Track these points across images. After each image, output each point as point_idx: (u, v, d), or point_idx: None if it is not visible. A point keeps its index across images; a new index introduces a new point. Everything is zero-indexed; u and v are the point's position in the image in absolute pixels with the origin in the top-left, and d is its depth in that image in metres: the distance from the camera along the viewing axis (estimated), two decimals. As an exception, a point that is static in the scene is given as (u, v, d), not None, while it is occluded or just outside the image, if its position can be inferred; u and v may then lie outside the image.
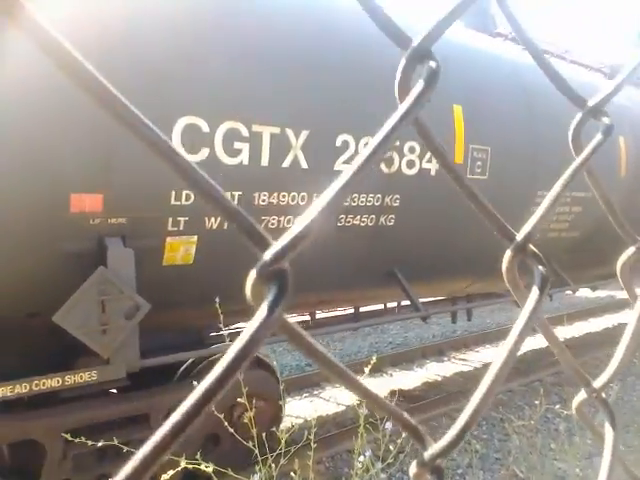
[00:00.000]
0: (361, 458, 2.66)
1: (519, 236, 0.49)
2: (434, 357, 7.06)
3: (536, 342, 7.75)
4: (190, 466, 2.45)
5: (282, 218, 3.23)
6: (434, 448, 0.40)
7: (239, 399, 3.19)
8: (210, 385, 0.27)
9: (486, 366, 5.93)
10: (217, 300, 2.87)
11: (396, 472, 3.95)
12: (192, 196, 2.84)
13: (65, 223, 2.51)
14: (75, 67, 0.25)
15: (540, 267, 0.47)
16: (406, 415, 0.40)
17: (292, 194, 3.21)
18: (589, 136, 0.59)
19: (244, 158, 2.93)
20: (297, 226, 0.31)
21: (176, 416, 0.27)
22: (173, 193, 2.77)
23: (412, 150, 3.70)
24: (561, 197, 0.53)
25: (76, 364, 2.89)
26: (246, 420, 3.64)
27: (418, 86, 0.40)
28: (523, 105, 4.55)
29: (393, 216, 3.77)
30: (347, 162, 3.38)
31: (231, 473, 2.64)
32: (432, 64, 0.40)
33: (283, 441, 2.79)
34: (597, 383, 0.56)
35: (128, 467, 0.25)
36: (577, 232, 5.37)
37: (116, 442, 2.63)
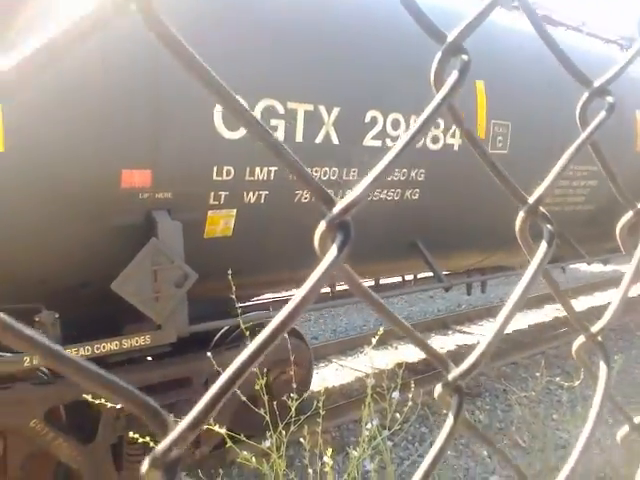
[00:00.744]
0: (368, 425, 2.75)
1: (531, 199, 0.55)
2: (438, 330, 7.20)
3: (539, 316, 7.91)
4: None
5: (314, 192, 3.37)
6: (456, 371, 0.48)
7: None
8: (283, 318, 0.32)
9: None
10: (229, 272, 2.95)
11: (401, 441, 4.09)
12: (232, 171, 2.98)
13: (116, 198, 2.67)
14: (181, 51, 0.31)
15: (548, 225, 0.52)
16: (430, 345, 0.49)
17: (324, 169, 3.35)
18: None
19: (280, 134, 3.06)
20: (356, 190, 0.38)
21: (235, 363, 0.31)
22: (215, 169, 2.91)
23: (437, 126, 3.81)
24: (567, 169, 0.59)
25: (123, 331, 3.07)
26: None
27: (453, 76, 0.45)
28: (544, 82, 4.63)
29: (418, 190, 3.90)
30: (375, 138, 3.50)
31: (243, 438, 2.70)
32: (465, 57, 0.45)
33: (293, 409, 2.84)
34: (594, 328, 0.59)
35: (185, 420, 0.29)
36: (592, 205, 5.49)
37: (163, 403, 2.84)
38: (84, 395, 3.00)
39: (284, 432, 2.61)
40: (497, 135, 4.22)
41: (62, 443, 2.86)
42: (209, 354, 2.88)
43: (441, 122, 3.81)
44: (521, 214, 0.55)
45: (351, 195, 0.37)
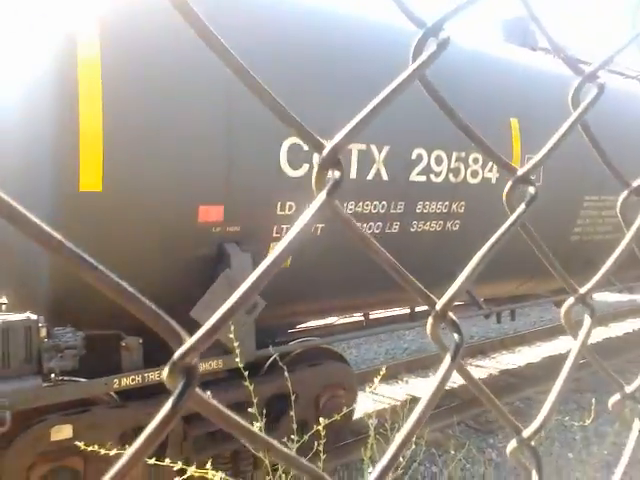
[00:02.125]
0: (370, 469, 2.66)
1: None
2: None
3: (554, 348, 7.77)
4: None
5: (365, 224, 3.59)
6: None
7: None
8: (286, 244, 0.37)
9: (503, 373, 6.09)
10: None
11: None
12: (294, 206, 3.21)
13: (193, 232, 2.90)
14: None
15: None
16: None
17: (374, 203, 3.57)
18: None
19: (336, 172, 3.30)
20: (341, 134, 0.40)
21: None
22: (279, 204, 3.15)
23: (476, 161, 4.03)
24: (558, 147, 0.63)
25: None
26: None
27: (431, 48, 0.48)
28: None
29: (458, 221, 4.10)
30: (420, 173, 3.73)
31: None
32: (444, 34, 0.48)
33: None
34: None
35: (199, 332, 0.32)
36: (620, 234, 5.64)
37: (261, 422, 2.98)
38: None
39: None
40: (531, 169, 4.44)
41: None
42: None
43: (480, 158, 4.03)
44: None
45: (337, 138, 0.39)
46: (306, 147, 3.24)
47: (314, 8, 3.47)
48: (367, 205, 3.54)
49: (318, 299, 3.82)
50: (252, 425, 0.37)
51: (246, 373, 2.92)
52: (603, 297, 9.25)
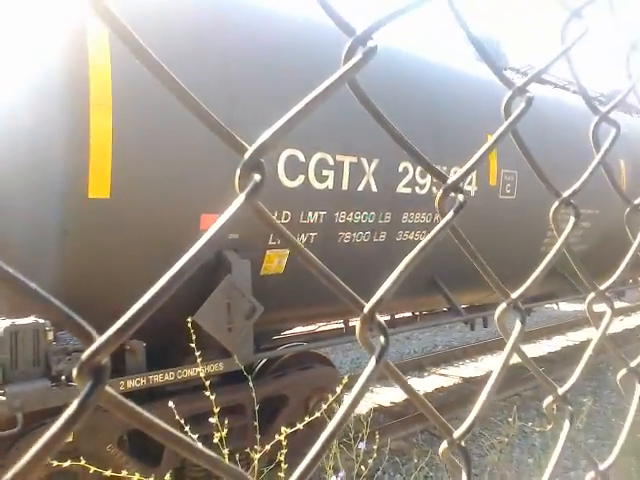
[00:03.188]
0: (332, 479, 2.71)
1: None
2: (414, 372, 7.21)
3: (513, 357, 8.13)
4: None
5: (354, 234, 3.75)
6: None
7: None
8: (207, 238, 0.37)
9: (466, 381, 6.22)
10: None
11: None
12: (290, 215, 3.35)
13: (195, 238, 2.99)
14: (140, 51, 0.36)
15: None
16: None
17: (363, 213, 3.74)
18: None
19: (330, 183, 3.46)
20: (265, 135, 0.40)
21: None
22: (276, 213, 3.28)
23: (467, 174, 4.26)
24: (483, 159, 0.66)
25: (185, 361, 3.34)
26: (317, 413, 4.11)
27: (357, 56, 0.49)
28: (539, 134, 5.18)
29: (440, 231, 4.32)
30: (406, 185, 3.93)
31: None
32: (371, 43, 0.48)
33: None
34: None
35: (110, 330, 0.31)
36: (585, 245, 5.99)
37: (224, 430, 3.08)
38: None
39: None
40: (506, 183, 4.71)
41: (132, 467, 3.07)
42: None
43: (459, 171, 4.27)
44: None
45: (259, 141, 0.40)
46: (302, 159, 3.40)
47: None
48: (357, 215, 3.71)
49: (309, 306, 3.95)
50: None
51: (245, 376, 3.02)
52: (562, 307, 9.65)
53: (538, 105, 5.45)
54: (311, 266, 0.49)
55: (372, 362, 0.48)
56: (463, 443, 0.58)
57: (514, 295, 0.71)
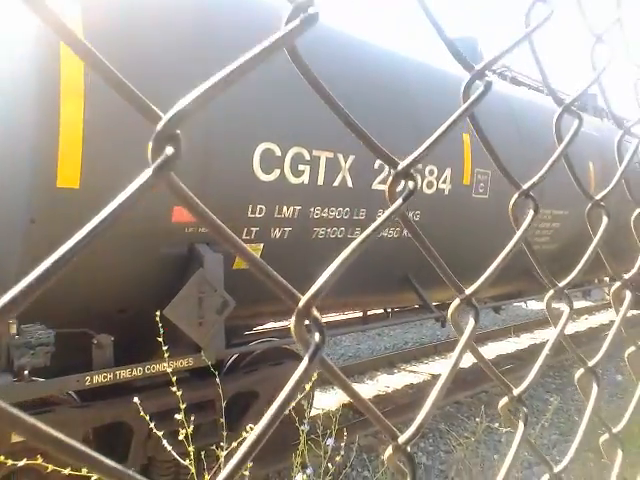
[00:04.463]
0: (299, 476, 2.68)
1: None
2: (385, 369, 7.25)
3: (483, 353, 8.26)
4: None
5: (329, 229, 3.74)
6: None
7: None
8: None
9: (435, 378, 6.31)
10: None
11: None
12: (264, 209, 3.31)
13: (166, 231, 2.94)
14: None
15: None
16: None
17: (339, 209, 3.73)
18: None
19: (305, 178, 3.43)
20: (180, 104, 0.43)
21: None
22: (250, 207, 3.24)
23: (431, 172, 4.29)
24: (439, 141, 0.63)
25: (155, 356, 3.27)
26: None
27: (295, 22, 0.45)
28: (515, 132, 5.25)
29: (414, 229, 4.34)
30: (382, 182, 3.93)
31: None
32: (312, 9, 0.45)
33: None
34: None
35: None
36: (555, 245, 6.12)
37: (191, 425, 3.04)
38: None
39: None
40: (479, 182, 4.76)
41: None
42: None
43: (435, 169, 4.29)
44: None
45: (175, 108, 0.37)
46: (278, 153, 3.36)
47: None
48: (332, 211, 3.69)
49: (281, 301, 3.90)
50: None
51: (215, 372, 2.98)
52: (530, 305, 9.84)
53: (514, 105, 5.54)
54: (239, 253, 0.44)
55: (305, 360, 0.44)
56: (409, 448, 0.56)
57: (468, 291, 0.69)
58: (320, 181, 3.52)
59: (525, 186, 0.81)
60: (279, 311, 4.24)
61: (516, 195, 0.81)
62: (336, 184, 3.63)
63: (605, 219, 1.00)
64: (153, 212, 2.86)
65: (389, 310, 6.03)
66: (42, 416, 2.85)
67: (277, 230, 3.44)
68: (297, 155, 3.36)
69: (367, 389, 6.44)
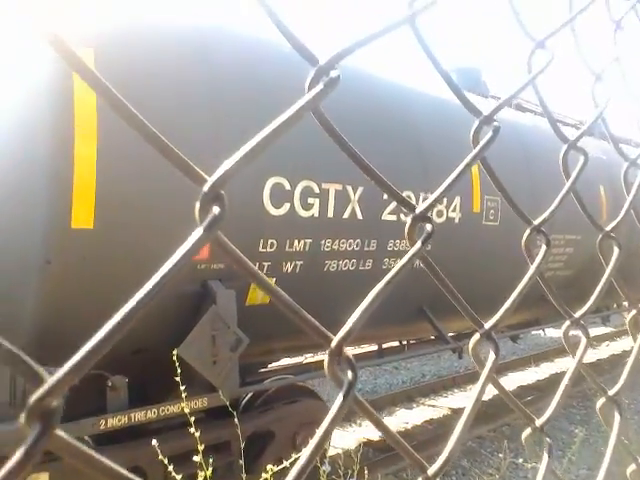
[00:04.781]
0: None
1: None
2: (403, 404, 7.11)
3: (504, 385, 7.98)
4: None
5: (340, 262, 3.72)
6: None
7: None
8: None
9: (455, 412, 6.23)
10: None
11: None
12: (275, 244, 3.31)
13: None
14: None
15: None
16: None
17: (349, 240, 3.72)
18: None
19: (315, 211, 3.45)
20: (225, 165, 0.40)
21: None
22: (261, 242, 3.24)
23: (441, 201, 4.29)
24: (452, 187, 0.65)
25: (168, 396, 3.22)
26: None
27: (319, 87, 0.48)
28: (523, 160, 5.27)
29: (426, 259, 4.31)
30: (391, 213, 3.94)
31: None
32: (333, 73, 0.48)
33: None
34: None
35: (62, 369, 0.29)
36: (570, 271, 6.04)
37: (210, 467, 2.96)
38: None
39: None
40: (490, 209, 4.74)
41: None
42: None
43: (445, 199, 4.29)
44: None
45: (219, 172, 0.39)
46: (288, 187, 3.39)
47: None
48: (343, 243, 3.68)
49: (295, 336, 3.88)
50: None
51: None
52: (549, 333, 9.63)
53: (521, 134, 5.57)
54: (275, 298, 0.47)
55: (339, 398, 0.46)
56: None
57: (487, 325, 0.70)
58: (330, 214, 3.53)
59: (536, 222, 0.83)
60: (293, 347, 4.19)
61: (528, 231, 0.83)
62: (346, 216, 3.63)
63: (616, 250, 1.00)
64: (169, 251, 2.87)
65: (404, 343, 5.94)
66: (55, 463, 2.80)
67: (289, 264, 3.43)
68: (306, 188, 3.38)
69: (324, 422, 6.18)
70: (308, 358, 5.48)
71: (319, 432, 0.44)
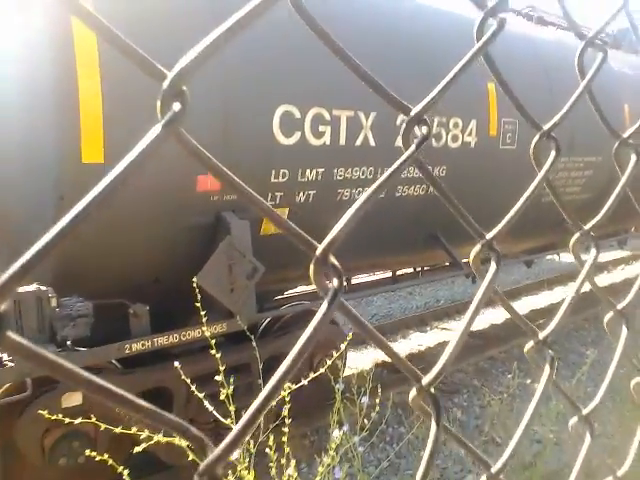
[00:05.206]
0: (336, 432, 2.70)
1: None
2: (417, 328, 7.20)
3: (517, 308, 8.08)
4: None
5: (354, 190, 3.71)
6: (426, 379, 0.55)
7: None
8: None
9: (468, 335, 6.44)
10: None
11: (379, 442, 4.13)
12: (287, 174, 3.30)
13: (192, 201, 2.96)
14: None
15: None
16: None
17: (362, 169, 3.69)
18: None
19: (327, 139, 3.39)
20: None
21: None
22: (273, 172, 3.23)
23: (456, 126, 4.18)
24: (452, 83, 0.63)
25: (188, 323, 3.36)
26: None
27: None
28: (544, 80, 5.05)
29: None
30: (405, 139, 3.86)
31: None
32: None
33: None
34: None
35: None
36: (588, 194, 5.94)
37: (230, 388, 3.13)
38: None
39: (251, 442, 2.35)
40: (507, 132, 4.62)
41: (142, 427, 3.13)
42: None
43: (460, 122, 4.18)
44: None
45: (179, 65, 0.38)
46: (298, 115, 3.32)
47: None
48: (356, 171, 3.65)
49: (309, 264, 3.94)
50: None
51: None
52: (563, 258, 9.65)
53: (540, 48, 5.29)
54: (255, 205, 0.47)
55: (324, 304, 0.45)
56: (432, 390, 0.56)
57: (489, 235, 0.68)
58: (342, 141, 3.48)
59: (546, 126, 0.79)
60: (308, 275, 4.27)
61: (537, 136, 0.79)
62: (358, 143, 3.57)
63: (634, 157, 0.95)
64: (177, 183, 2.89)
65: (419, 269, 6.02)
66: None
67: (301, 194, 3.43)
68: (317, 116, 3.31)
69: (400, 347, 6.47)
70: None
71: (303, 336, 0.43)
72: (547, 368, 0.77)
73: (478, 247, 0.69)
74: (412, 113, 0.59)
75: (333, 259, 0.47)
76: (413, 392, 0.57)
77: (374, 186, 0.52)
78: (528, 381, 4.40)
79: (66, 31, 2.44)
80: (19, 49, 2.53)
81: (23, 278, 0.30)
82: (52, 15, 2.44)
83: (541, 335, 0.78)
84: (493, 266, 0.67)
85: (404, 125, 0.59)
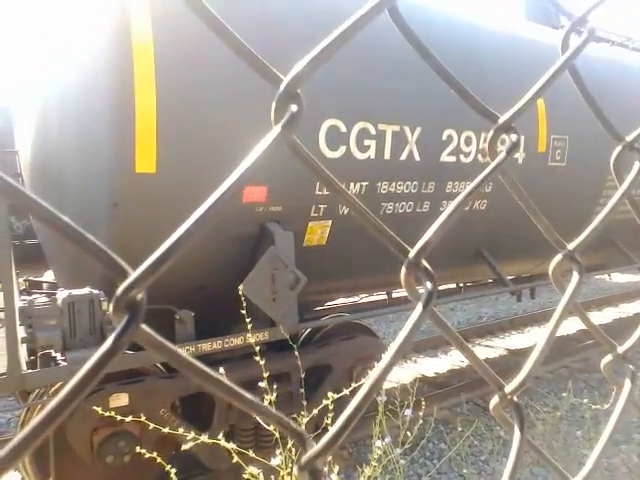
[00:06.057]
0: (378, 443, 2.72)
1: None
2: None
3: (562, 329, 7.73)
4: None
5: (397, 204, 3.71)
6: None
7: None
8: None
9: (511, 353, 6.13)
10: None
11: (419, 457, 4.12)
12: (332, 186, 3.34)
13: (238, 211, 3.04)
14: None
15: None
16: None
17: (406, 183, 3.69)
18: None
19: (371, 153, 3.42)
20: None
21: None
22: (317, 185, 3.28)
23: (503, 142, 4.12)
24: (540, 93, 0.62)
25: (231, 331, 3.43)
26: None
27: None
28: (597, 99, 4.91)
29: (485, 201, 4.22)
30: (450, 154, 3.84)
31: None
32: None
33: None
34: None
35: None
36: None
37: (273, 395, 3.17)
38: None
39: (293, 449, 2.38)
40: (556, 149, 4.52)
41: (184, 430, 3.21)
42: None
43: (506, 139, 4.12)
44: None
45: (295, 70, 0.39)
46: (344, 129, 3.36)
47: None
48: (400, 185, 3.66)
49: (351, 276, 3.97)
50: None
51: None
52: (615, 278, 9.27)
53: (595, 68, 5.17)
54: (355, 211, 0.48)
55: (419, 308, 0.46)
56: (515, 398, 0.55)
57: (570, 246, 0.66)
58: (387, 155, 3.49)
59: (629, 137, 0.76)
60: (348, 287, 4.30)
61: (619, 147, 0.75)
62: (403, 158, 3.58)
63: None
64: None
65: (461, 285, 5.93)
66: (134, 385, 3.10)
67: (345, 206, 3.47)
68: (362, 130, 3.35)
69: (441, 364, 6.38)
70: (363, 298, 5.59)
71: (397, 340, 0.43)
72: (627, 382, 0.73)
73: (559, 257, 0.67)
74: (500, 121, 0.59)
75: (425, 263, 0.47)
76: (495, 400, 0.56)
77: (463, 193, 0.53)
78: (584, 400, 4.24)
79: (126, 45, 2.58)
80: (80, 61, 2.68)
81: (157, 271, 0.33)
82: (112, 28, 2.58)
83: (620, 349, 0.74)
84: (575, 276, 0.65)
85: (491, 133, 0.59)
